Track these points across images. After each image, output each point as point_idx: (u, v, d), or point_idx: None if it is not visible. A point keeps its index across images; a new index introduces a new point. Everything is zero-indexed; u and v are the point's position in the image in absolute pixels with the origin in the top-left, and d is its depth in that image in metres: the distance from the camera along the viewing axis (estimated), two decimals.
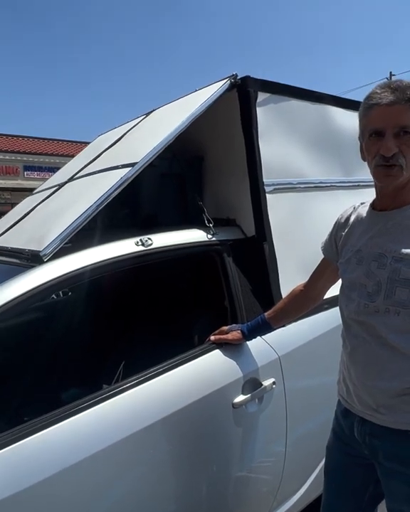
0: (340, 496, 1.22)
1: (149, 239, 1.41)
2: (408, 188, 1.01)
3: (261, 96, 1.59)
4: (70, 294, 2.23)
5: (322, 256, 1.29)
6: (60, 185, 1.98)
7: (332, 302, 1.49)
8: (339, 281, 1.18)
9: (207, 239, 1.56)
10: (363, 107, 1.00)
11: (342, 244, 1.16)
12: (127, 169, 1.40)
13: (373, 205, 1.10)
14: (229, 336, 1.41)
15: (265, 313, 1.40)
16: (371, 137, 0.98)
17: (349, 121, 1.88)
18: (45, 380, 1.72)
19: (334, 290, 1.31)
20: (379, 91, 0.96)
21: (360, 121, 1.03)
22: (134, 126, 2.06)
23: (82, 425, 1.11)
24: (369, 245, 1.05)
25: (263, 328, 1.40)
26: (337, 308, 1.18)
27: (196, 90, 1.81)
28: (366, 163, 1.08)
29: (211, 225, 1.59)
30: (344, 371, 1.15)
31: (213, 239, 1.57)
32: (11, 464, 1.00)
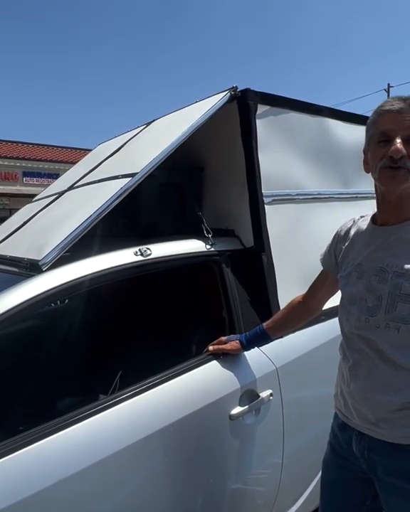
0: (337, 511, 1.21)
1: (147, 249, 1.41)
2: None
3: (261, 108, 1.61)
4: (67, 301, 2.22)
5: (321, 267, 1.30)
6: (60, 194, 1.98)
7: (330, 314, 1.50)
8: (338, 293, 1.18)
9: (206, 249, 1.56)
10: (373, 115, 1.01)
11: (342, 258, 1.16)
12: (127, 179, 1.40)
13: (373, 220, 1.10)
14: (227, 346, 1.41)
15: (264, 324, 1.40)
16: (379, 143, 0.98)
17: (348, 133, 1.90)
18: (42, 389, 1.71)
19: (332, 301, 1.32)
20: (391, 100, 0.98)
21: (368, 129, 1.03)
22: (134, 136, 2.07)
23: (79, 436, 1.10)
24: (370, 259, 1.05)
25: (262, 338, 1.40)
26: (335, 319, 1.19)
27: (197, 101, 1.82)
28: (365, 175, 1.08)
29: (209, 236, 1.60)
30: (341, 384, 1.14)
31: (212, 249, 1.57)
32: (8, 474, 0.99)
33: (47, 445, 1.05)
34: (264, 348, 1.47)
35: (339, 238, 1.20)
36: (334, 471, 1.20)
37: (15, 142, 17.51)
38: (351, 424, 1.11)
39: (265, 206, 1.62)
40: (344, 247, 1.16)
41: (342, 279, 1.13)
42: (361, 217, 1.16)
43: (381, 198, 1.05)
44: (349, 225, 1.18)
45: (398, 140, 0.95)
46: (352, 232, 1.15)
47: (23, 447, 1.03)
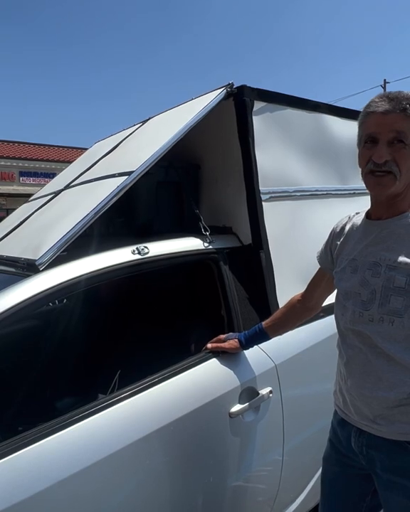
0: (337, 507, 1.21)
1: (145, 247, 1.41)
2: (402, 197, 1.02)
3: (257, 105, 1.60)
4: (65, 301, 2.22)
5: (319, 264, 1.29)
6: (57, 193, 1.97)
7: (328, 310, 1.49)
8: (336, 291, 1.18)
9: (203, 247, 1.56)
10: (361, 115, 1.02)
11: (337, 254, 1.16)
12: (124, 178, 1.40)
13: (368, 215, 1.11)
14: (226, 345, 1.41)
15: (263, 323, 1.39)
16: (366, 144, 0.99)
17: (345, 129, 1.90)
18: (41, 390, 1.71)
19: (331, 298, 1.32)
20: (377, 100, 0.97)
21: (358, 128, 1.04)
22: (130, 134, 2.07)
23: (78, 436, 1.10)
24: (363, 254, 1.05)
25: (260, 337, 1.39)
26: (334, 316, 1.18)
27: (193, 99, 1.82)
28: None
29: (207, 233, 1.59)
30: (340, 381, 1.14)
31: (210, 247, 1.57)
32: (7, 475, 0.99)
33: (46, 445, 1.05)
34: (263, 345, 1.46)
35: (335, 235, 1.20)
36: (334, 468, 1.20)
37: (11, 142, 17.47)
38: (350, 421, 1.11)
39: (263, 203, 1.61)
40: (339, 243, 1.16)
41: (336, 275, 1.14)
42: (357, 213, 1.17)
43: (373, 198, 1.07)
44: (344, 222, 1.19)
45: (383, 144, 0.95)
46: (347, 228, 1.15)
47: (22, 448, 1.02)
